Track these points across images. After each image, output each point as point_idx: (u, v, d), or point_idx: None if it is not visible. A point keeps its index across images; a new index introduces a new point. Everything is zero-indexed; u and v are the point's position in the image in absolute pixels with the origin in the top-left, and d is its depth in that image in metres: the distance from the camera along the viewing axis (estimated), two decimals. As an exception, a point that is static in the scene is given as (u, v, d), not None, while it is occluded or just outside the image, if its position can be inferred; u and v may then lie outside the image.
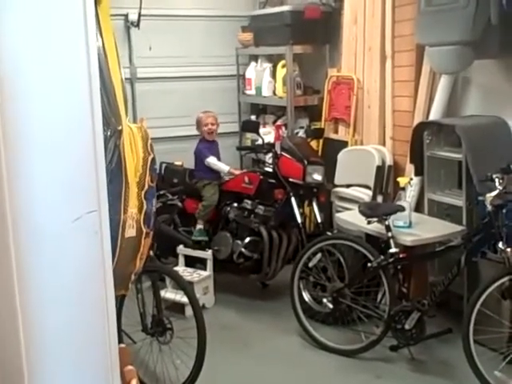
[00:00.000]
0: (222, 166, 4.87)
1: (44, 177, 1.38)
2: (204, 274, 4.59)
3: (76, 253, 1.44)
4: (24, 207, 1.35)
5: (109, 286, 1.50)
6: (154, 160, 2.15)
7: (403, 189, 4.23)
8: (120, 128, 1.97)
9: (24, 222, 1.35)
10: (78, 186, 1.43)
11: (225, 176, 4.90)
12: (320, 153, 5.24)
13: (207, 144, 4.92)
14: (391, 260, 3.61)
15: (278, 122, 5.80)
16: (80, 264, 1.45)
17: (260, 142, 4.78)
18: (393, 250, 3.62)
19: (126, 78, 5.40)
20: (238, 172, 4.88)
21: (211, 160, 4.84)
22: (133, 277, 2.27)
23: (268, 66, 5.76)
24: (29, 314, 1.38)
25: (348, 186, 4.83)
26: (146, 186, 2.10)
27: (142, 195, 2.08)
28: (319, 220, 4.44)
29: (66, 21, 1.40)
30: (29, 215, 1.35)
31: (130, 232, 2.03)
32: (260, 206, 4.55)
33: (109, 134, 1.92)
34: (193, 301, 3.41)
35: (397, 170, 4.64)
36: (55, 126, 1.40)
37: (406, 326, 3.58)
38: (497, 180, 3.23)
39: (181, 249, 4.76)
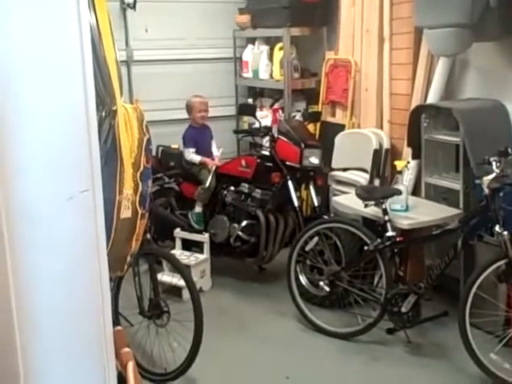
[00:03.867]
0: (194, 157, 4.87)
1: (36, 155, 1.37)
2: (201, 257, 4.59)
3: (69, 232, 1.43)
4: (16, 186, 1.34)
5: (103, 265, 1.49)
6: (149, 141, 2.13)
7: (400, 172, 4.22)
8: (115, 108, 1.95)
9: (17, 201, 1.34)
10: (70, 165, 1.42)
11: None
12: (317, 136, 5.22)
13: (194, 131, 4.95)
14: (388, 243, 3.61)
15: (275, 106, 5.78)
16: (74, 243, 1.44)
17: (257, 125, 4.76)
18: (390, 233, 3.62)
19: (122, 61, 5.37)
20: (208, 161, 4.84)
21: (187, 152, 4.88)
22: (128, 258, 2.26)
23: (265, 48, 5.72)
24: (22, 295, 1.37)
25: (345, 169, 4.81)
26: (142, 167, 2.08)
27: (138, 176, 2.07)
28: (316, 203, 4.43)
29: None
30: (21, 194, 1.34)
31: (126, 213, 2.02)
32: (257, 190, 4.53)
33: (103, 114, 1.91)
34: (190, 284, 3.40)
35: (394, 153, 4.63)
36: (47, 104, 1.39)
37: (403, 309, 3.59)
38: (494, 163, 3.23)
39: (178, 232, 4.75)
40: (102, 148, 1.77)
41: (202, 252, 4.65)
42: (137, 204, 2.08)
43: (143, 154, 2.09)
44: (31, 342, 1.41)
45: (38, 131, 1.37)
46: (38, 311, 1.42)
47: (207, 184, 4.70)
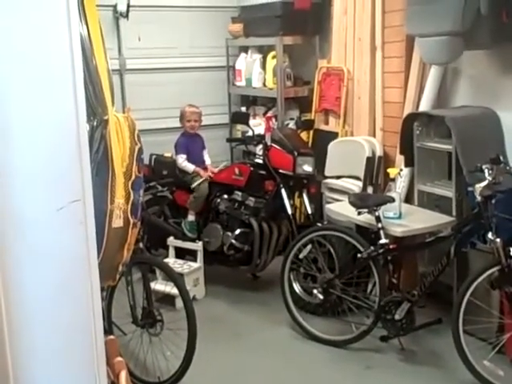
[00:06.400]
0: (188, 166, 4.87)
1: (26, 166, 1.36)
2: (194, 265, 4.58)
3: (60, 242, 1.42)
4: (6, 196, 1.33)
5: (94, 275, 1.49)
6: (140, 150, 2.13)
7: (393, 180, 4.23)
8: (106, 118, 1.95)
9: (6, 212, 1.33)
10: (61, 176, 1.41)
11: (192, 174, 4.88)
12: (310, 144, 5.23)
13: (186, 139, 4.96)
14: (381, 251, 3.61)
15: (269, 114, 5.79)
16: (65, 254, 1.43)
17: (250, 133, 4.76)
18: (383, 240, 3.62)
19: (115, 70, 5.37)
20: (202, 172, 4.84)
21: (180, 158, 4.89)
22: (120, 267, 2.26)
23: (258, 57, 5.74)
24: (12, 305, 1.37)
25: (338, 177, 4.82)
26: (133, 176, 2.08)
27: (129, 185, 2.06)
28: (309, 211, 4.43)
29: (48, 8, 1.37)
30: (11, 205, 1.34)
31: (117, 222, 2.01)
32: (250, 198, 4.53)
33: (95, 123, 1.91)
34: (183, 292, 3.39)
35: (387, 161, 4.64)
36: (37, 114, 1.38)
37: (396, 317, 3.59)
38: (486, 171, 3.24)
39: (171, 240, 4.74)
40: (94, 158, 1.77)
41: (195, 260, 4.65)
42: (128, 213, 2.08)
43: (135, 163, 2.09)
44: (21, 352, 1.41)
45: (27, 141, 1.37)
46: (28, 321, 1.42)
47: (194, 185, 4.69)
